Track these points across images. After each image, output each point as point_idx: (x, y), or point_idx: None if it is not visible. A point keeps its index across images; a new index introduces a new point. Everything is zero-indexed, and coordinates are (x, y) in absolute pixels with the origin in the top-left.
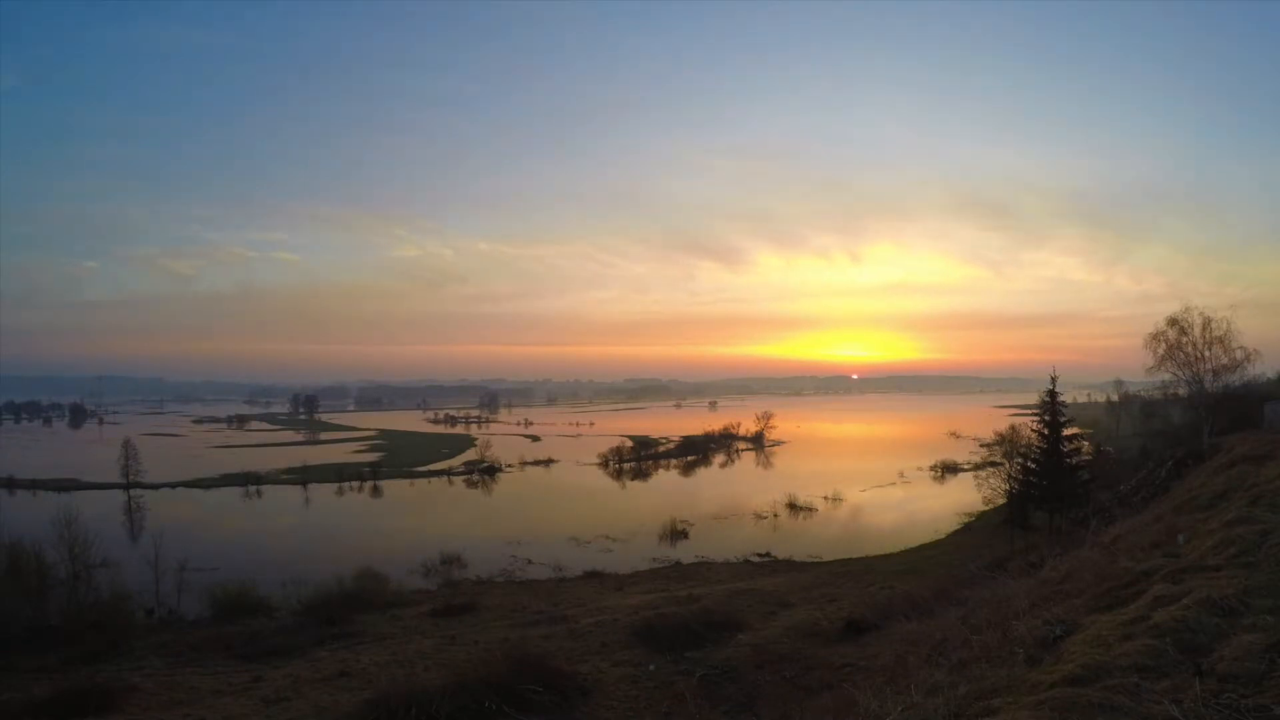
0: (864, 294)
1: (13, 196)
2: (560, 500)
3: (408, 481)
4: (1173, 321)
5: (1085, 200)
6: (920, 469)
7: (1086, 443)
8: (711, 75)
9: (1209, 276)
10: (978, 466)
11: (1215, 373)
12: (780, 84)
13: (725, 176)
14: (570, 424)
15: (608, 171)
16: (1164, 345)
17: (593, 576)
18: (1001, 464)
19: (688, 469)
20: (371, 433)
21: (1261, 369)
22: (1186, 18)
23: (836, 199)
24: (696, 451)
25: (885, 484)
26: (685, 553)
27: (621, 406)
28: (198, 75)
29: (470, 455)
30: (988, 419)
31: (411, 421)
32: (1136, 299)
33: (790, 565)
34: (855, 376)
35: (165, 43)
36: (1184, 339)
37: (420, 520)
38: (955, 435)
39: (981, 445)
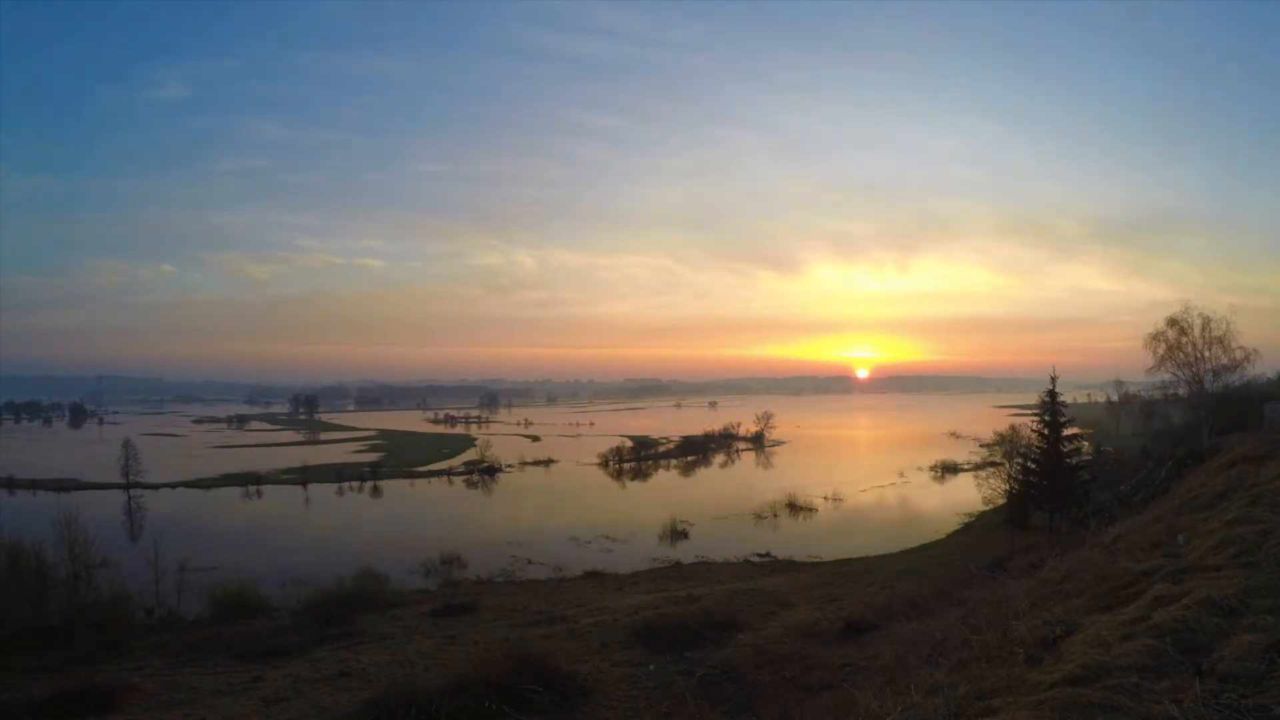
0: (897, 301)
1: (126, 201)
2: (560, 500)
3: (408, 482)
4: (1172, 322)
5: (1112, 223)
6: (920, 469)
7: (1086, 443)
8: (811, 121)
9: (1218, 287)
10: (978, 466)
11: (1215, 373)
12: (869, 131)
13: (805, 201)
14: (570, 424)
15: (699, 195)
16: (1164, 345)
17: (593, 576)
18: (1001, 464)
19: (688, 469)
20: (371, 433)
21: (1261, 369)
22: (1209, 66)
23: (899, 222)
24: (696, 451)
25: (885, 484)
26: (685, 553)
27: (621, 406)
28: (346, 96)
29: (470, 455)
30: (988, 419)
31: (411, 422)
32: (1146, 306)
33: (790, 565)
34: (863, 373)
35: (324, 64)
36: (1184, 339)
37: (420, 520)
38: (955, 435)
39: (981, 445)
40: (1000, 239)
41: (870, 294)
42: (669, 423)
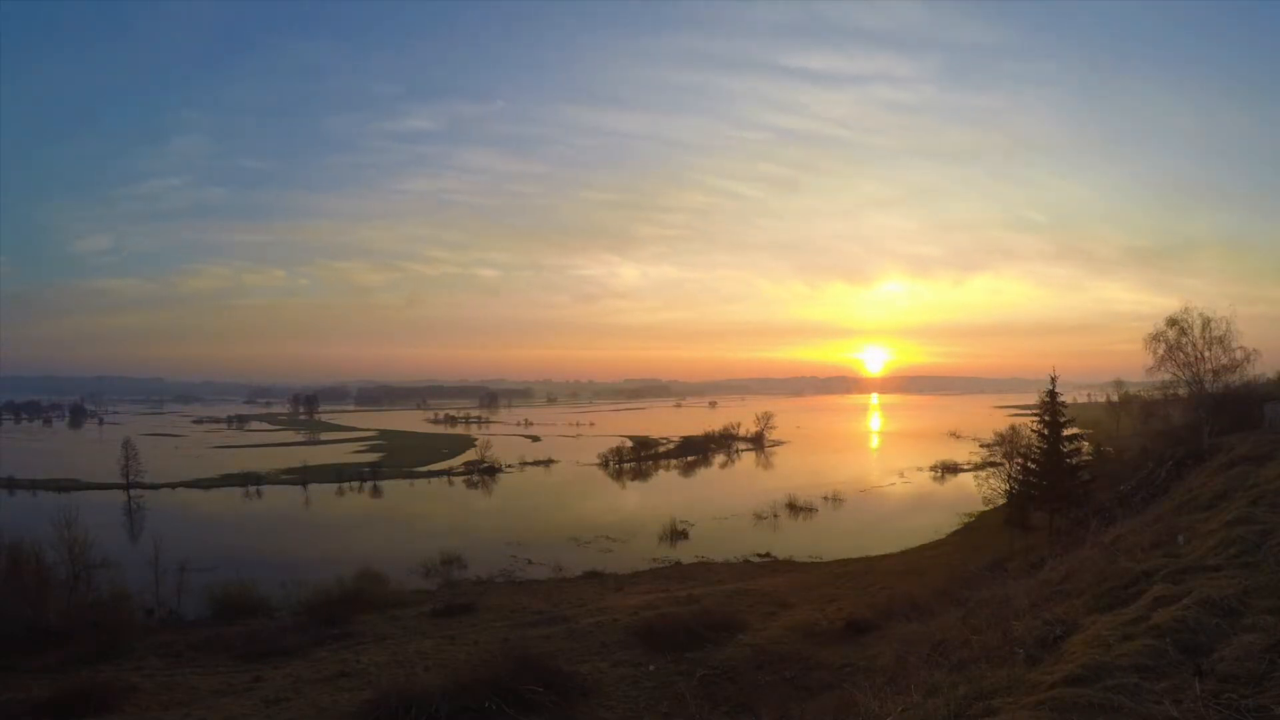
0: (935, 309)
1: (284, 213)
2: (560, 500)
3: (408, 482)
4: (1172, 322)
5: (1143, 250)
6: (920, 469)
7: (1086, 443)
8: (913, 175)
9: (1225, 296)
10: (978, 467)
11: (1215, 373)
12: (959, 183)
13: (893, 231)
14: (570, 424)
15: (809, 227)
16: (1164, 346)
17: (593, 576)
18: (1001, 464)
19: (688, 469)
20: (371, 433)
21: (1261, 369)
22: (1237, 109)
23: (967, 247)
24: (696, 452)
25: (885, 484)
26: (685, 553)
27: (622, 407)
28: (568, 137)
29: (470, 455)
30: (988, 419)
31: (412, 422)
32: (1157, 312)
33: (790, 565)
34: (873, 367)
35: (569, 115)
36: (1184, 339)
37: (420, 520)
38: (955, 435)
39: (982, 445)
40: (1048, 263)
41: (920, 304)
42: (669, 423)
